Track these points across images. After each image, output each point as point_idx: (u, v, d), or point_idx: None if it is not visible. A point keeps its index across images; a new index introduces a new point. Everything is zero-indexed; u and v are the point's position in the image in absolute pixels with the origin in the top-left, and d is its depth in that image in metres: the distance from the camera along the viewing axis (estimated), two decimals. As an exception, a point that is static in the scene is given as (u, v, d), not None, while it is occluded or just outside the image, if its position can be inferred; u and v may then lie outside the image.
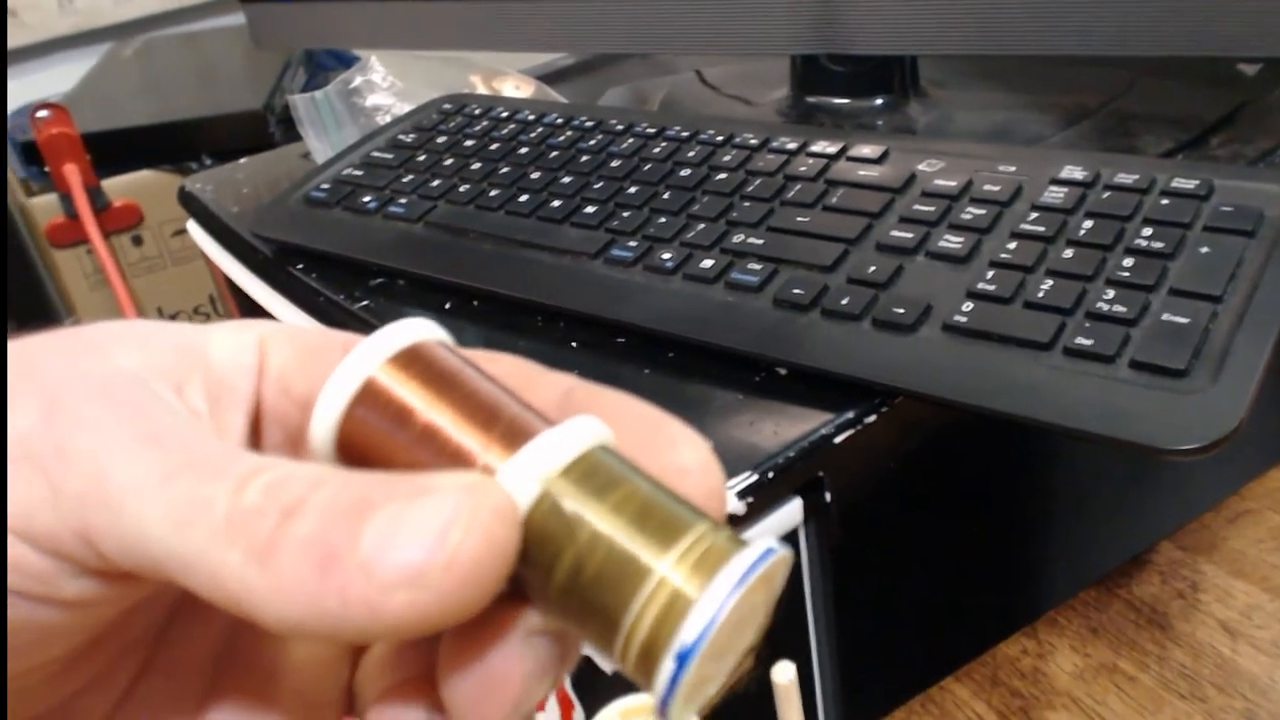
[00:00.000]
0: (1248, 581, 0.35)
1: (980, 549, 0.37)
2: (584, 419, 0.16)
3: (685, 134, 0.45)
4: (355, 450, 0.16)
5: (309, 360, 0.18)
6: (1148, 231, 0.32)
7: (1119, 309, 0.30)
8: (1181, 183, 0.34)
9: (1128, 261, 0.31)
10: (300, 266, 0.47)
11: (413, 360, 0.16)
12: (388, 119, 0.57)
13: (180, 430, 0.15)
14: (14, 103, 1.08)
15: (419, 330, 0.16)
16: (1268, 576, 0.35)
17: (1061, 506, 0.38)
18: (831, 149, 0.41)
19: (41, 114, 0.86)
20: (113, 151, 0.86)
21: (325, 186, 0.49)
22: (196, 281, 0.92)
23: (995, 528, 0.37)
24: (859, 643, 0.28)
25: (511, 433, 0.15)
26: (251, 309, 0.54)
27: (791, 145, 0.42)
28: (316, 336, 0.18)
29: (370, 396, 0.16)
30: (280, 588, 0.13)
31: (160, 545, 0.14)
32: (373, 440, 0.16)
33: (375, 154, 0.51)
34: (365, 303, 0.43)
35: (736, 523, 0.30)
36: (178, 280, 0.92)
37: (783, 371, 0.34)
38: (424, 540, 0.13)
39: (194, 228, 0.58)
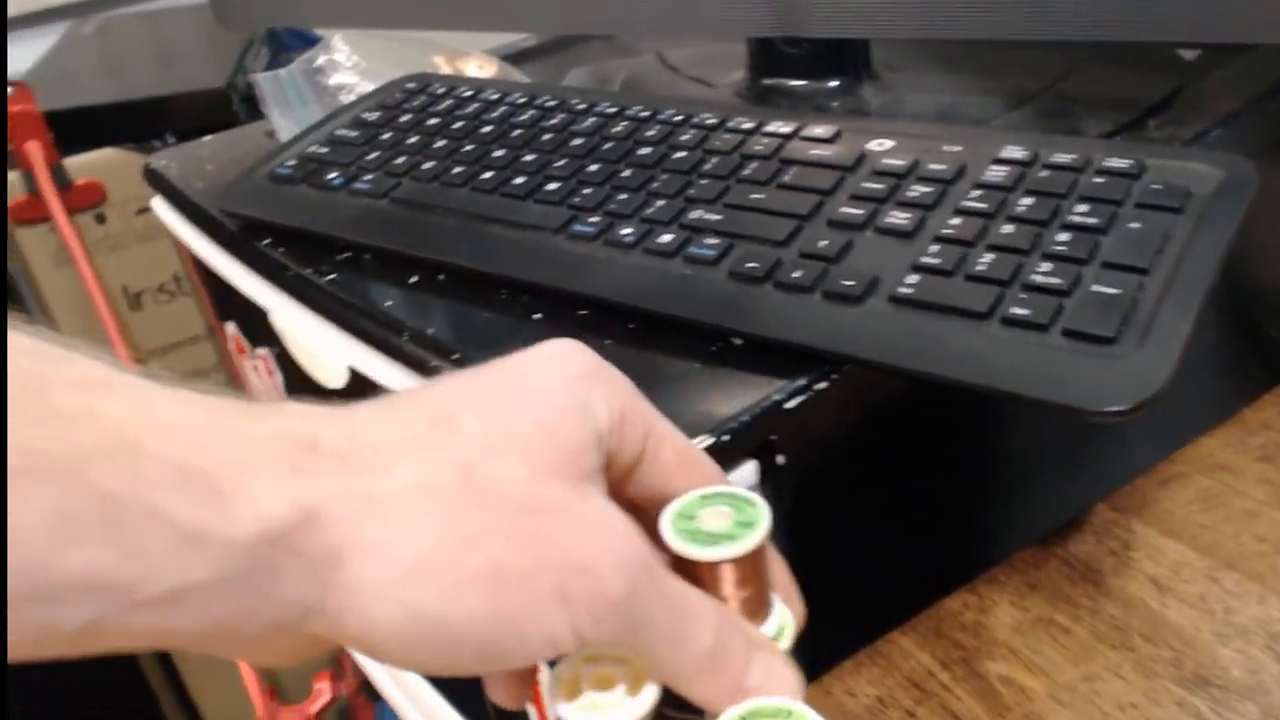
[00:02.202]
0: (1177, 540, 0.37)
1: (925, 509, 0.38)
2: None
3: (645, 114, 0.46)
4: (685, 568, 0.25)
5: (682, 468, 0.26)
6: (1082, 208, 0.34)
7: (1054, 281, 0.32)
8: (1115, 162, 0.35)
9: (1063, 236, 0.33)
10: (267, 242, 0.48)
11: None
12: (351, 98, 0.58)
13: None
14: (-29, 80, 1.07)
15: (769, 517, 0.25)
16: (1195, 536, 0.37)
17: (1002, 470, 0.40)
18: (786, 129, 0.42)
19: (1, 91, 0.86)
20: (75, 129, 0.86)
21: (291, 163, 0.50)
22: (161, 259, 0.92)
23: (939, 489, 0.39)
24: (809, 597, 0.29)
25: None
26: (218, 286, 0.54)
27: (748, 125, 0.43)
28: (688, 449, 0.27)
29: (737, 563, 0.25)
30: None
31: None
32: (705, 578, 0.25)
33: (340, 131, 0.51)
34: (332, 276, 0.44)
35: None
36: (142, 258, 0.92)
37: (738, 342, 0.35)
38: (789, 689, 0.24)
39: (159, 205, 0.58)
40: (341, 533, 0.21)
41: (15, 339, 0.19)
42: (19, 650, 0.18)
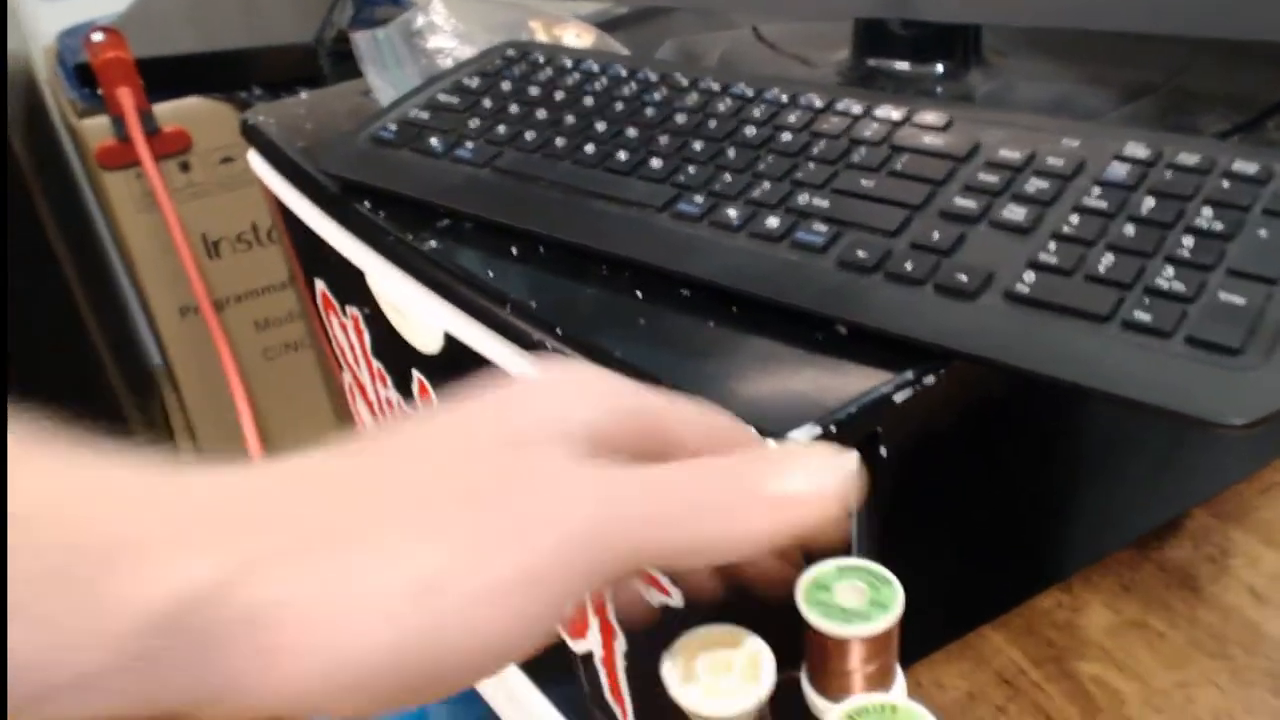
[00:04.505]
0: (1276, 550, 0.36)
1: (1021, 507, 0.38)
2: None
3: (750, 93, 0.46)
4: (817, 639, 0.26)
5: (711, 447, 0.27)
6: (1208, 212, 0.33)
7: (1177, 286, 0.31)
8: (1243, 166, 0.34)
9: (1187, 241, 0.33)
10: (367, 205, 0.48)
11: None
12: (449, 62, 0.58)
13: None
14: (61, 23, 1.09)
15: None
16: (1295, 547, 0.36)
17: (1101, 471, 0.40)
18: (897, 114, 0.41)
19: (97, 37, 0.87)
20: (163, 77, 0.87)
21: (392, 127, 0.50)
22: (241, 209, 0.94)
23: (1036, 487, 0.39)
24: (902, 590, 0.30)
25: None
26: (310, 243, 0.55)
27: (857, 109, 0.42)
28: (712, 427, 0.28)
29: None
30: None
31: None
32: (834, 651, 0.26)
33: (441, 97, 0.52)
34: (432, 243, 0.45)
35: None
36: (223, 207, 0.94)
37: (843, 331, 0.35)
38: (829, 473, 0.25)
39: (255, 160, 0.59)
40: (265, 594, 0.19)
41: None
42: None
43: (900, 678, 0.27)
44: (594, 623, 0.45)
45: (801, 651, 0.27)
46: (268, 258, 0.98)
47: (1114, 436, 0.39)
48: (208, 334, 0.96)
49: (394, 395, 0.55)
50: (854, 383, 0.33)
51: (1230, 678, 0.33)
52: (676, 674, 0.25)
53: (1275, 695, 0.32)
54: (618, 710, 0.47)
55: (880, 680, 0.26)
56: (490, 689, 0.56)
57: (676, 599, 0.38)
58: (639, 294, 0.39)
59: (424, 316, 0.46)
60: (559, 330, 0.38)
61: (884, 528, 0.34)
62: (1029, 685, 0.33)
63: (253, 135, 0.59)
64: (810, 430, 0.31)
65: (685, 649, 0.26)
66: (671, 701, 0.25)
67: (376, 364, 0.56)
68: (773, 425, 0.31)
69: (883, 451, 0.33)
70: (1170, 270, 0.32)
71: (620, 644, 0.44)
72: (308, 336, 1.03)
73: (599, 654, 0.47)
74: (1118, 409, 0.31)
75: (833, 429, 0.32)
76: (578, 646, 0.48)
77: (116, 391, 1.00)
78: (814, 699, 0.27)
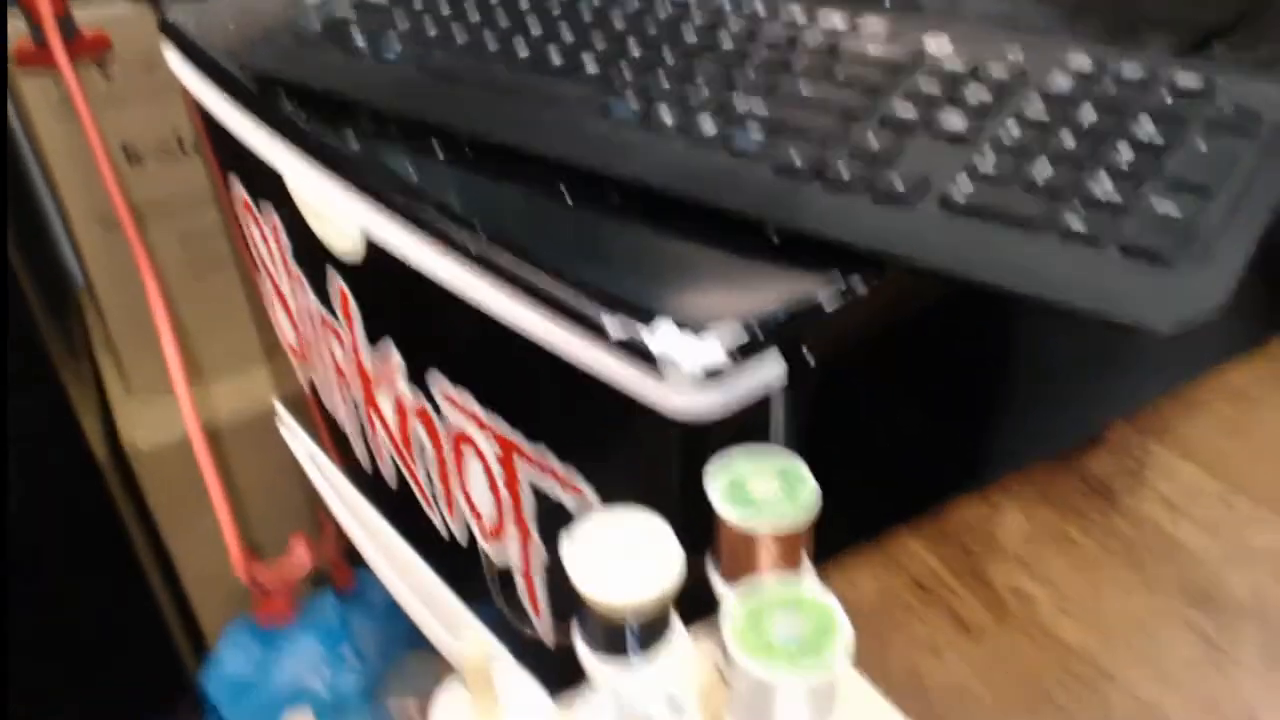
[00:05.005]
0: (1194, 464, 0.37)
1: (945, 416, 0.38)
2: None
3: (692, -4, 0.44)
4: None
5: None
6: (1148, 125, 0.33)
7: (1114, 197, 0.31)
8: (1185, 81, 0.34)
9: (1126, 152, 0.32)
10: (288, 103, 0.46)
11: None
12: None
13: None
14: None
15: None
16: (1213, 461, 0.37)
17: (1026, 383, 0.40)
18: (841, 22, 0.40)
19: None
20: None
21: (317, 24, 0.48)
22: (164, 119, 0.90)
23: (961, 397, 0.39)
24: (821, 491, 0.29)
25: None
26: (230, 146, 0.53)
27: (801, 16, 0.41)
28: None
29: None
30: None
31: None
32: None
33: (370, -7, 0.49)
34: (354, 144, 0.43)
35: (719, 375, 0.31)
36: (146, 117, 0.90)
37: (776, 240, 0.34)
38: None
39: (173, 58, 0.56)
40: None
41: None
42: None
43: (811, 573, 0.27)
44: (513, 531, 0.45)
45: (713, 539, 0.27)
46: (193, 169, 0.94)
47: (1039, 350, 0.39)
48: (130, 250, 0.92)
49: (314, 304, 0.54)
50: (784, 288, 0.32)
51: (1142, 585, 0.33)
52: (578, 560, 0.24)
53: (1185, 603, 0.33)
54: (535, 621, 0.47)
55: (788, 575, 0.26)
56: (413, 604, 0.56)
57: (590, 495, 0.37)
58: (568, 198, 0.38)
59: (344, 220, 0.45)
60: (481, 231, 0.36)
61: (806, 430, 0.34)
62: (941, 588, 0.33)
63: (172, 33, 0.56)
64: (734, 330, 0.31)
65: (588, 534, 0.25)
66: (574, 589, 0.24)
67: (296, 270, 0.54)
68: (696, 326, 0.31)
69: (809, 360, 0.33)
70: (1108, 181, 0.32)
71: (536, 546, 0.44)
72: (233, 253, 1.00)
73: (518, 565, 0.46)
74: (1045, 322, 0.30)
75: (757, 332, 0.31)
76: (495, 554, 0.48)
77: (33, 311, 0.96)
78: (720, 588, 0.27)
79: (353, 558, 1.09)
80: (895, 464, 0.38)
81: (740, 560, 0.27)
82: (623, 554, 0.25)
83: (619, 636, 0.26)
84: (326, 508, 0.69)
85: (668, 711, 0.26)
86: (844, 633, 0.22)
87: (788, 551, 0.26)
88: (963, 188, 0.32)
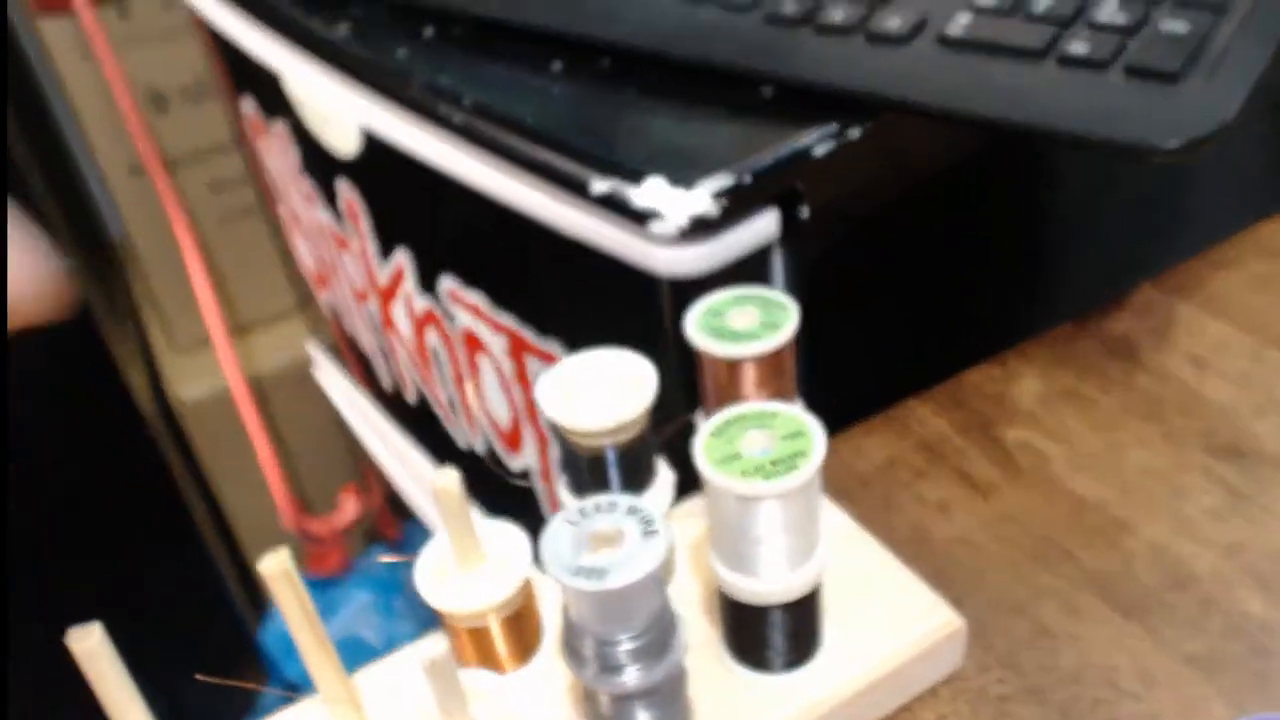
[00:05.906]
0: (1223, 321, 0.35)
1: (955, 277, 0.37)
2: None
3: None
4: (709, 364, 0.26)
5: None
6: (1157, -58, 0.31)
7: (1118, 19, 0.29)
8: (1199, -104, 0.32)
9: (1133, -28, 0.30)
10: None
11: None
12: None
13: None
14: None
15: None
16: (1242, 317, 0.35)
17: (1044, 247, 0.38)
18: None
19: None
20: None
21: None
22: (184, 60, 0.90)
23: (971, 257, 0.37)
24: (823, 360, 0.28)
25: None
26: (237, 63, 0.52)
27: None
28: None
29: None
30: None
31: None
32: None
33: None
34: (343, 29, 0.42)
35: (711, 227, 0.30)
36: (166, 58, 0.90)
37: (768, 94, 0.33)
38: None
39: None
40: None
41: None
42: None
43: (798, 405, 0.26)
44: (529, 434, 0.44)
45: (700, 386, 0.26)
46: (218, 117, 0.94)
47: (1056, 199, 0.37)
48: (162, 200, 0.93)
49: (325, 217, 0.53)
50: (774, 137, 0.31)
51: (1162, 439, 0.32)
52: (551, 392, 0.23)
53: (1208, 454, 0.31)
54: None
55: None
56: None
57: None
58: (557, 66, 0.37)
59: (340, 112, 0.44)
60: (469, 103, 0.35)
61: (805, 294, 0.32)
62: (951, 450, 0.32)
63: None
64: (723, 179, 0.30)
65: (562, 373, 0.25)
66: (552, 426, 0.23)
67: (305, 182, 0.54)
68: (684, 177, 0.30)
69: (803, 211, 0.31)
70: (1112, 4, 0.30)
71: (554, 452, 0.43)
72: (258, 201, 1.00)
73: (536, 469, 0.46)
74: (1053, 164, 0.29)
75: (747, 179, 0.30)
76: (514, 463, 0.47)
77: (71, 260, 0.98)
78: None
79: (398, 509, 1.10)
80: (905, 332, 0.37)
81: (724, 395, 0.26)
82: (598, 387, 0.24)
83: (600, 472, 0.25)
84: (368, 453, 0.69)
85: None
86: (818, 444, 0.21)
87: (769, 378, 0.25)
88: (960, 22, 0.31)
